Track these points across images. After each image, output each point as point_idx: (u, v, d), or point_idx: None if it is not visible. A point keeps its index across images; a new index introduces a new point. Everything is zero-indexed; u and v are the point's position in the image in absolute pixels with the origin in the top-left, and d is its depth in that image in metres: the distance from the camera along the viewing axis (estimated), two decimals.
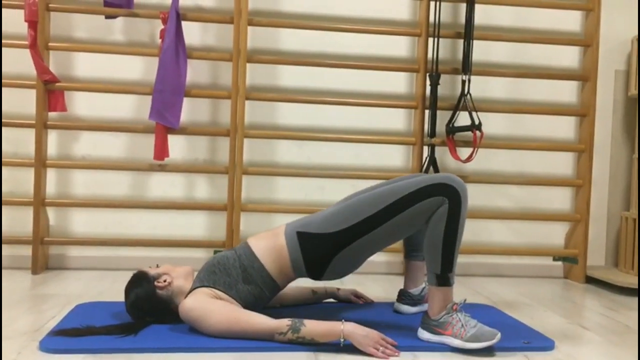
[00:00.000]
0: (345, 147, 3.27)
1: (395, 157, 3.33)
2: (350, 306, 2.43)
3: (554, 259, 3.42)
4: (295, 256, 2.03)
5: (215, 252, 3.14)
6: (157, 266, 2.12)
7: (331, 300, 2.49)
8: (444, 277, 1.94)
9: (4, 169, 3.05)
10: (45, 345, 1.81)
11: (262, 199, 3.25)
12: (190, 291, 2.01)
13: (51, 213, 3.14)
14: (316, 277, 2.07)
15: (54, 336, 1.87)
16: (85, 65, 3.14)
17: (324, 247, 2.00)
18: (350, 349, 1.83)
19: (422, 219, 1.95)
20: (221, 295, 1.97)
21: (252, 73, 3.19)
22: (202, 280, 2.01)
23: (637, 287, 2.98)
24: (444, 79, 3.20)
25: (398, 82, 3.32)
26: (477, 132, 3.06)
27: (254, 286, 2.02)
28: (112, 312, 2.14)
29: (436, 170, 3.13)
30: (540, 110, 3.38)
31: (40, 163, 3.00)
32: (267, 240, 2.08)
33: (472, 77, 3.14)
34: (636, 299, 2.89)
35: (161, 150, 3.01)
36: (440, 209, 1.92)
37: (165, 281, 2.03)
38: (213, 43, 3.20)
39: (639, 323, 2.41)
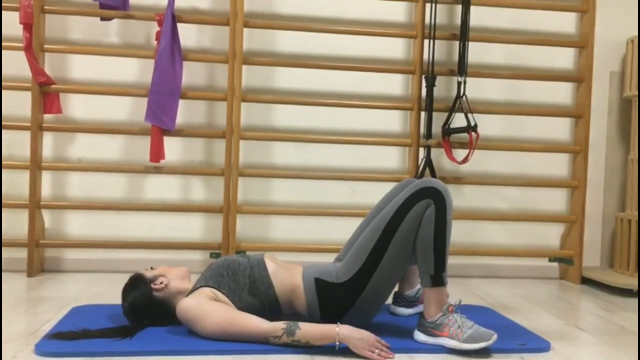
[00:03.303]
0: (341, 148, 3.27)
1: (391, 158, 3.33)
2: None
3: (550, 260, 3.42)
4: (311, 301, 2.03)
5: (211, 254, 3.14)
6: (152, 268, 2.12)
7: None
8: (437, 277, 1.95)
9: None
10: (41, 349, 1.80)
11: (259, 201, 3.25)
12: (193, 289, 2.01)
13: (47, 215, 3.13)
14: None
15: (49, 339, 1.86)
16: (81, 67, 3.14)
17: (341, 297, 2.01)
18: (345, 351, 1.83)
19: (416, 228, 1.96)
20: (222, 298, 1.97)
21: (248, 75, 3.19)
22: (207, 279, 2.01)
23: (632, 287, 2.99)
24: (439, 80, 3.20)
25: (394, 84, 3.32)
26: (473, 134, 3.07)
27: (257, 300, 2.01)
28: (108, 314, 2.14)
29: (432, 171, 3.13)
30: (536, 112, 3.39)
31: (35, 165, 3.00)
32: (284, 271, 2.07)
33: (468, 79, 3.15)
34: (631, 299, 2.90)
35: (157, 152, 3.00)
36: (427, 211, 1.94)
37: (161, 283, 2.03)
38: (209, 45, 3.20)
39: (639, 324, 2.42)
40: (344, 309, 2.01)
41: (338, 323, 1.86)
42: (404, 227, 1.96)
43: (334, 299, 2.02)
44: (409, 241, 1.98)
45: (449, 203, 1.97)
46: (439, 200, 1.95)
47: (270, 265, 2.06)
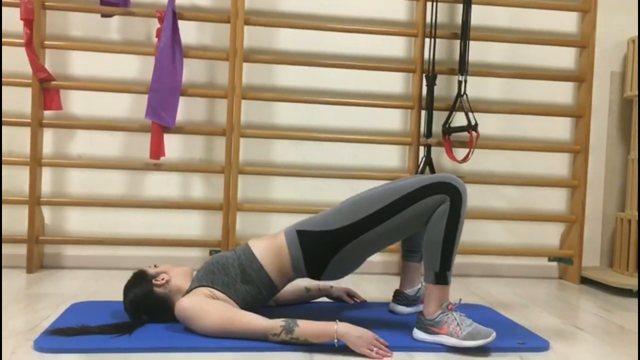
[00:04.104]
0: (341, 147, 3.27)
1: (391, 157, 3.33)
2: (345, 306, 2.43)
3: (549, 260, 3.42)
4: (295, 255, 2.03)
5: (211, 252, 3.14)
6: (156, 266, 2.12)
7: (325, 299, 2.49)
8: (442, 275, 1.95)
9: None
10: (40, 345, 1.80)
11: (258, 199, 3.25)
12: (189, 291, 2.01)
13: (46, 212, 3.13)
14: (316, 276, 2.07)
15: (48, 335, 1.87)
16: (81, 63, 3.13)
17: (325, 245, 2.01)
18: (344, 349, 1.83)
19: (424, 217, 1.96)
20: (219, 295, 1.97)
21: (249, 72, 3.19)
22: (200, 279, 2.02)
23: (631, 287, 2.98)
24: (440, 79, 3.20)
25: (395, 83, 3.32)
26: (473, 133, 3.07)
27: (252, 287, 2.02)
28: (107, 311, 2.14)
29: (432, 170, 3.13)
30: (536, 111, 3.38)
31: (35, 162, 2.99)
32: (268, 241, 2.09)
33: (469, 78, 3.14)
34: (631, 299, 2.90)
35: (157, 149, 3.01)
36: (441, 207, 1.93)
37: (163, 279, 2.04)
38: (209, 42, 3.20)
39: (638, 324, 2.42)
40: (328, 257, 2.01)
41: (337, 321, 1.86)
42: (410, 212, 1.95)
43: (318, 247, 2.02)
44: (410, 225, 1.98)
45: (465, 204, 1.96)
46: (456, 200, 1.93)
47: (255, 247, 2.07)
